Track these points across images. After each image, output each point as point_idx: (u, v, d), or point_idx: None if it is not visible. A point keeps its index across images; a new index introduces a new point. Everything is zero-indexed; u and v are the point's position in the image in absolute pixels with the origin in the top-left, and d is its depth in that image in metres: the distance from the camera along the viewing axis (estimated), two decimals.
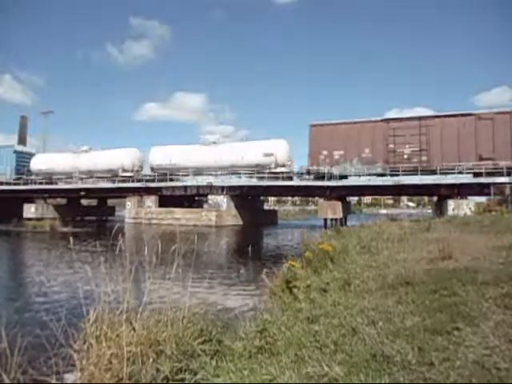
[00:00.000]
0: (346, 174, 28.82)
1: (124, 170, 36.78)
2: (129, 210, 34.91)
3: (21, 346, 2.21)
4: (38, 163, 41.53)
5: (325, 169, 28.30)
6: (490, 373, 1.94)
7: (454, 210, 23.71)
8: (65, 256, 14.91)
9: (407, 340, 2.45)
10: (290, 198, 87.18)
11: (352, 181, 28.30)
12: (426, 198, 74.28)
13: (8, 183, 40.60)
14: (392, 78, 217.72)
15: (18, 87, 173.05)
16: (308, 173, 30.23)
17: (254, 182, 31.16)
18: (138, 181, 35.78)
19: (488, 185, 23.61)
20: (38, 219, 32.21)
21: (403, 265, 5.27)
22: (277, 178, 30.86)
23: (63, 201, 42.81)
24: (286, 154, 32.57)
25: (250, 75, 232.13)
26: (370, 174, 28.08)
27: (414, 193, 35.34)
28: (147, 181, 35.28)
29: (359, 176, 28.73)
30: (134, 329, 2.58)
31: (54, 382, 2.24)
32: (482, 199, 27.82)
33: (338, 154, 29.01)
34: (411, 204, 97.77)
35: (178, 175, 34.92)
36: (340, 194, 28.48)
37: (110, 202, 48.40)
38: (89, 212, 43.41)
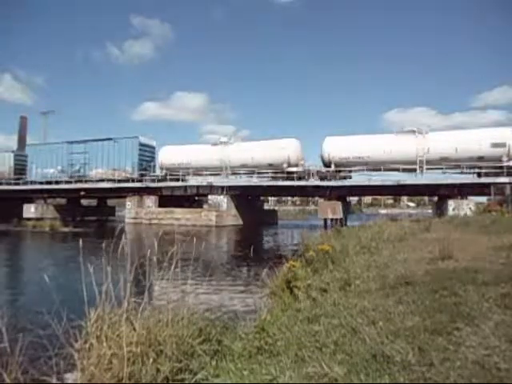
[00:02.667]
0: None
1: (290, 165, 30.50)
2: (129, 210, 34.92)
3: (22, 346, 2.21)
4: (169, 157, 35.03)
5: None
6: (491, 373, 1.94)
7: (454, 210, 23.75)
8: (65, 255, 14.91)
9: (407, 340, 2.45)
10: (289, 198, 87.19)
11: (352, 181, 28.31)
12: (426, 198, 74.29)
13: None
14: (392, 78, 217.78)
15: (18, 87, 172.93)
16: None
17: (254, 181, 31.16)
18: (326, 178, 29.08)
19: (488, 185, 23.63)
20: (37, 219, 32.25)
21: (403, 265, 5.27)
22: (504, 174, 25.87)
23: (63, 201, 42.80)
24: None
25: (251, 75, 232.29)
26: None
27: (414, 193, 35.39)
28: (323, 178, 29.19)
29: None
30: (134, 329, 2.59)
31: (54, 381, 2.25)
32: (483, 199, 27.87)
33: None
34: (411, 204, 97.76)
35: (363, 169, 28.61)
36: (340, 194, 28.50)
37: (110, 202, 48.42)
38: (89, 212, 43.42)
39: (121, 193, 36.57)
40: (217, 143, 33.83)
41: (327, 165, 29.74)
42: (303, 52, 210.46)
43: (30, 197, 38.86)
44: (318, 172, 29.95)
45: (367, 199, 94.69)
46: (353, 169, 28.95)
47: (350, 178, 29.14)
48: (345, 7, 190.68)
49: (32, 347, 2.38)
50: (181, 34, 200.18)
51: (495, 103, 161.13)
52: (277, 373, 2.22)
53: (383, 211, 60.19)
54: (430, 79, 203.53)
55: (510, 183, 23.11)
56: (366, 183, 27.92)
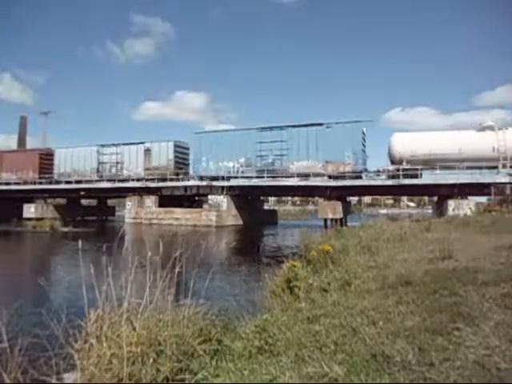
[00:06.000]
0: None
1: None
2: (129, 210, 34.91)
3: (21, 346, 2.21)
4: (409, 146, 26.18)
5: None
6: (491, 373, 1.94)
7: (454, 210, 23.71)
8: (65, 255, 14.92)
9: (407, 340, 2.45)
10: (290, 198, 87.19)
11: (351, 181, 28.27)
12: (426, 198, 74.27)
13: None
14: (393, 77, 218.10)
15: (18, 86, 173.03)
16: None
17: (254, 181, 31.12)
18: None
19: (488, 185, 23.60)
20: (37, 219, 32.22)
21: (403, 265, 5.27)
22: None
23: (63, 201, 42.81)
24: None
25: (251, 74, 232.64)
26: None
27: (414, 193, 35.37)
28: None
29: None
30: (134, 329, 2.58)
31: (54, 381, 2.24)
32: (483, 199, 27.84)
33: None
34: (411, 204, 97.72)
35: None
36: (340, 194, 28.48)
37: (110, 201, 48.45)
38: (89, 212, 43.45)
39: (121, 193, 36.57)
40: (482, 129, 25.69)
41: None
42: (304, 51, 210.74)
43: (30, 197, 38.86)
44: None
45: (367, 199, 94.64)
46: None
47: None
48: (345, 7, 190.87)
49: (32, 347, 2.38)
50: (181, 33, 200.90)
51: (497, 103, 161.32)
52: (277, 373, 2.22)
53: (383, 211, 60.00)
54: (432, 79, 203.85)
55: (510, 183, 23.08)
56: (366, 183, 27.89)
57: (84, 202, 46.02)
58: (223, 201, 31.42)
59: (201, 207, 34.69)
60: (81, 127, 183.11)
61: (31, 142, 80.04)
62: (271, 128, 30.91)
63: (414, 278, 4.19)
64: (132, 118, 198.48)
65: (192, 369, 2.48)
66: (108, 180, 36.69)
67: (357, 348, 2.45)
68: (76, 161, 38.43)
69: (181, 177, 33.57)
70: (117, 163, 36.89)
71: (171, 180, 33.72)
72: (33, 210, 37.67)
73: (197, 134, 34.28)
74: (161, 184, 34.20)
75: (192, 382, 2.37)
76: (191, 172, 34.26)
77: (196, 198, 37.39)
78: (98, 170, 37.54)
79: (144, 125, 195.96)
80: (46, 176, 38.86)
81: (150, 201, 34.31)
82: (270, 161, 30.55)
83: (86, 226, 30.63)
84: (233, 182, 31.27)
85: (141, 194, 34.71)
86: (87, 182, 37.44)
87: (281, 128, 30.45)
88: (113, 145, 37.47)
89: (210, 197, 32.17)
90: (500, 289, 3.37)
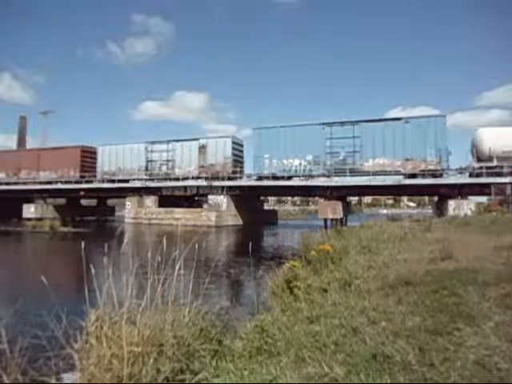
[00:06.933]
0: None
1: None
2: (129, 210, 34.89)
3: (21, 347, 2.21)
4: (503, 142, 23.96)
5: None
6: (491, 373, 1.94)
7: (454, 210, 23.69)
8: (64, 255, 14.90)
9: (408, 340, 2.45)
10: (289, 198, 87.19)
11: (352, 181, 28.24)
12: (426, 198, 74.32)
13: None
14: (394, 77, 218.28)
15: (18, 86, 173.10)
16: None
17: (253, 182, 31.08)
18: None
19: (488, 185, 23.58)
20: (37, 219, 32.19)
21: (404, 265, 5.27)
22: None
23: (63, 201, 42.75)
24: None
25: (252, 75, 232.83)
26: None
27: (414, 193, 35.35)
28: None
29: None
30: (134, 329, 2.58)
31: (53, 382, 2.24)
32: (483, 199, 27.84)
33: None
34: (412, 204, 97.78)
35: None
36: (340, 193, 28.47)
37: (110, 201, 48.43)
38: (88, 212, 43.40)
39: (121, 193, 36.54)
40: None
41: None
42: (304, 51, 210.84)
43: (29, 197, 38.82)
44: None
45: (367, 199, 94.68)
46: None
47: None
48: (345, 7, 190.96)
49: (31, 348, 2.37)
50: (182, 33, 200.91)
51: (498, 102, 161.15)
52: (277, 373, 2.22)
53: (383, 211, 60.12)
54: (432, 79, 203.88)
55: (510, 183, 23.06)
56: (366, 183, 27.86)
57: (84, 202, 45.98)
58: (223, 201, 31.41)
59: (201, 207, 34.69)
60: (81, 127, 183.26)
61: (31, 142, 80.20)
62: (342, 123, 28.18)
63: (414, 278, 4.18)
64: (132, 117, 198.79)
65: (192, 369, 2.47)
66: (108, 180, 36.61)
67: (357, 348, 2.45)
68: (121, 159, 35.64)
69: (239, 176, 31.47)
70: (167, 161, 33.89)
71: (222, 179, 31.28)
72: (32, 210, 37.65)
73: (257, 129, 30.72)
74: (161, 184, 34.21)
75: (192, 382, 2.37)
76: (250, 170, 31.85)
77: (196, 198, 37.38)
78: (146, 169, 34.78)
79: (143, 124, 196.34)
80: (89, 174, 37.16)
81: (150, 201, 34.30)
82: (341, 158, 27.86)
83: (86, 226, 30.60)
84: (232, 182, 31.25)
85: (141, 194, 34.69)
86: (87, 182, 37.37)
87: (353, 123, 27.83)
88: (164, 141, 34.33)
89: (209, 197, 32.15)
90: (500, 289, 3.37)
